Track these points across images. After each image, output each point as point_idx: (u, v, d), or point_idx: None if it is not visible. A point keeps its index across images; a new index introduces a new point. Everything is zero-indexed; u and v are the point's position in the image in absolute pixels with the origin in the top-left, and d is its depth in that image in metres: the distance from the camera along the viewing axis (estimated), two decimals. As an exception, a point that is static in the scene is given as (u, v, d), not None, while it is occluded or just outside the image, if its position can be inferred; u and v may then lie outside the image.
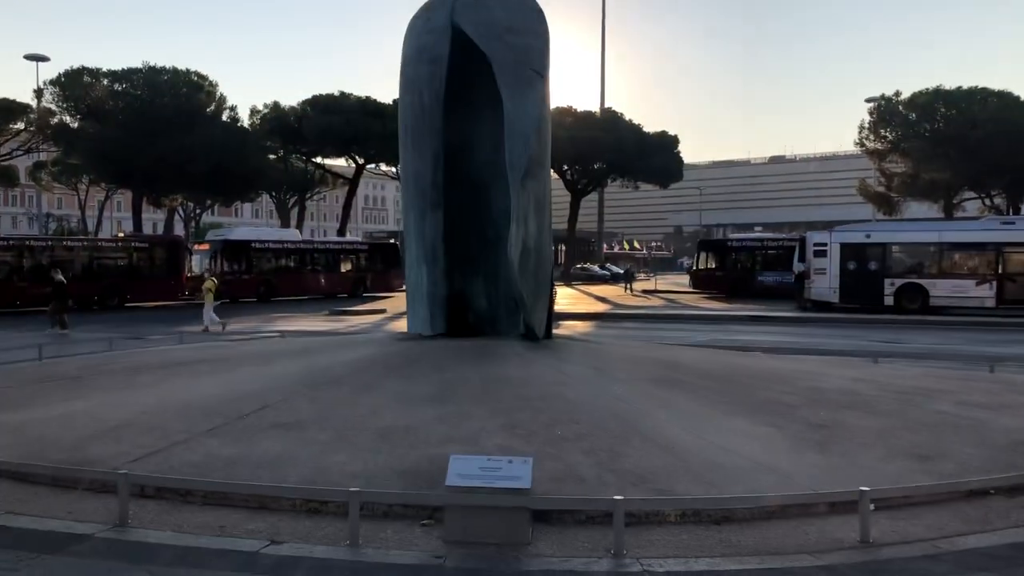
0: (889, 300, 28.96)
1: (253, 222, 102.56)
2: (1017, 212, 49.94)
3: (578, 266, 65.82)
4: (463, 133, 11.51)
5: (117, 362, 11.70)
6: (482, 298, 11.79)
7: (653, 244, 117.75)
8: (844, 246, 29.80)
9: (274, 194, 69.24)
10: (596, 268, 68.56)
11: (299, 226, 60.41)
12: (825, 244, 30.17)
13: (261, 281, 37.34)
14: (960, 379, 10.65)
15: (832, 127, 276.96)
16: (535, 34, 10.53)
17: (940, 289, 28.43)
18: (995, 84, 68.78)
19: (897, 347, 18.08)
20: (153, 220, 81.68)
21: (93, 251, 33.23)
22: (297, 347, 12.03)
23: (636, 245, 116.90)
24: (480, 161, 11.63)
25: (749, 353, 13.78)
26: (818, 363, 11.95)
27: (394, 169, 62.62)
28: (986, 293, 27.97)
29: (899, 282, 28.94)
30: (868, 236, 30.02)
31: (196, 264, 35.75)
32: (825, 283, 30.10)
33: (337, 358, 10.15)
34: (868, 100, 50.41)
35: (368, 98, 51.33)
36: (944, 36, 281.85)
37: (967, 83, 52.06)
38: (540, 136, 10.08)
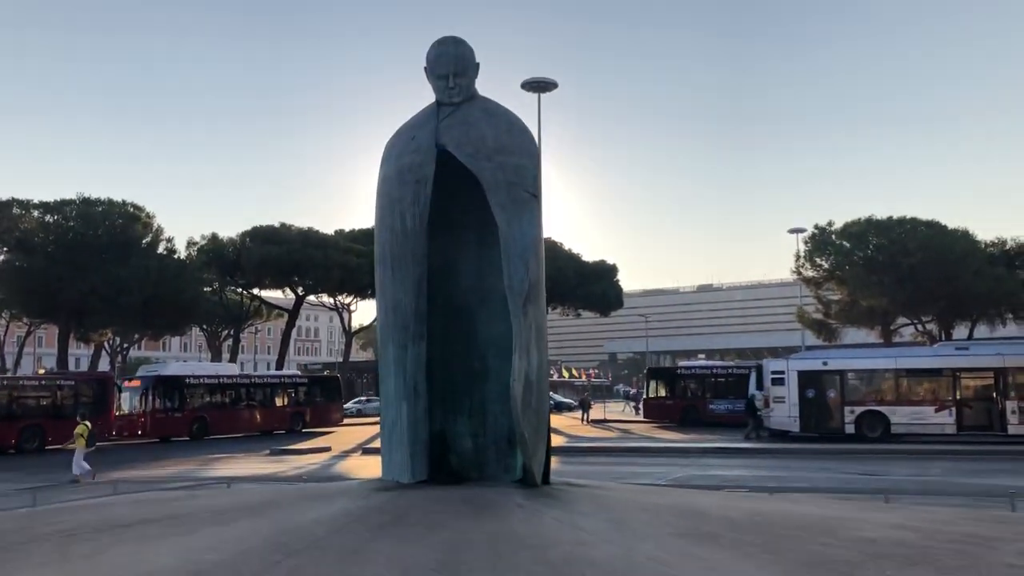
0: (850, 428, 28.51)
1: (182, 356, 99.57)
2: (949, 338, 50.95)
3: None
4: (445, 256, 10.60)
5: (45, 524, 10.04)
6: (467, 438, 10.59)
7: (593, 372, 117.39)
8: (802, 374, 29.45)
9: (205, 327, 67.05)
10: (540, 398, 67.35)
11: (233, 359, 58.26)
12: (783, 372, 29.79)
13: (194, 418, 35.26)
14: (998, 522, 9.74)
15: (757, 257, 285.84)
16: (527, 154, 9.84)
17: (900, 416, 28.10)
18: (923, 213, 71.32)
19: (884, 480, 17.29)
20: (77, 356, 78.27)
21: (12, 390, 30.94)
22: (257, 500, 10.57)
23: (574, 372, 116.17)
24: (464, 286, 10.70)
25: (758, 495, 12.74)
26: (839, 506, 10.97)
27: (332, 300, 61.54)
28: (946, 420, 27.73)
29: (859, 409, 28.57)
30: (825, 363, 29.80)
31: (125, 402, 33.59)
32: (784, 411, 29.58)
33: (309, 515, 8.76)
34: (792, 231, 50.89)
35: (310, 229, 50.78)
36: (870, 166, 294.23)
37: (896, 212, 53.83)
38: (538, 260, 9.24)
